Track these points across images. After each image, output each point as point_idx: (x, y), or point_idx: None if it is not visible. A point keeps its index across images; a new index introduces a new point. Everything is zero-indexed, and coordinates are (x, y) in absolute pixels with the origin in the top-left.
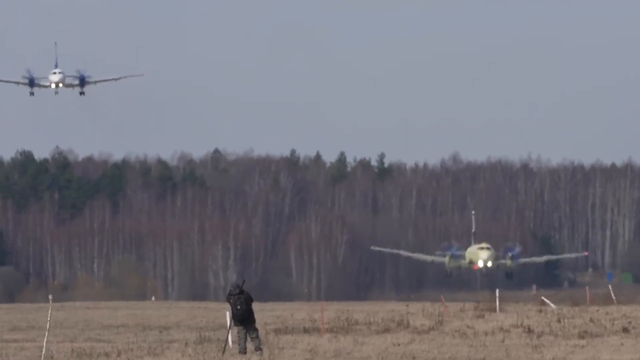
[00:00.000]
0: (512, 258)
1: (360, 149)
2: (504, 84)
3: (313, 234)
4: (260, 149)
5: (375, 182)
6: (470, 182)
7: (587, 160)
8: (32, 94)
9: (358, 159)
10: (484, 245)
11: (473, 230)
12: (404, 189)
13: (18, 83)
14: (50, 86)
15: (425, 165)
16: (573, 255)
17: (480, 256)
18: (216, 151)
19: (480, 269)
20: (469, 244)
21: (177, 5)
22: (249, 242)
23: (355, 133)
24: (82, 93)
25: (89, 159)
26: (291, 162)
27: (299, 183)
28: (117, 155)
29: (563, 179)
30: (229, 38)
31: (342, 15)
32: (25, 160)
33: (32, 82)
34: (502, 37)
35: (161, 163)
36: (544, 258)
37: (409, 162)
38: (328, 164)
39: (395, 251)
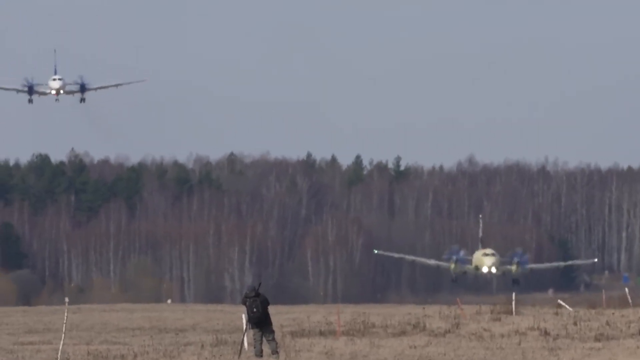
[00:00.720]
0: (519, 264)
1: (377, 151)
2: (518, 84)
3: (329, 237)
4: (277, 152)
5: (392, 185)
6: (486, 184)
7: (604, 163)
8: (30, 101)
9: (374, 161)
10: (488, 251)
11: (480, 235)
12: (420, 192)
13: (17, 91)
14: (50, 93)
15: (441, 167)
16: (582, 262)
17: (485, 262)
18: (232, 154)
19: (485, 275)
20: (477, 249)
21: (178, 5)
22: (265, 245)
23: (372, 136)
24: (82, 100)
25: (105, 162)
26: (307, 164)
27: (315, 186)
28: (134, 158)
29: (579, 181)
30: (231, 38)
31: (349, 16)
32: (42, 163)
33: (31, 90)
34: (503, 36)
35: (177, 165)
36: (554, 264)
37: (426, 165)
38: (344, 167)
39: (399, 255)
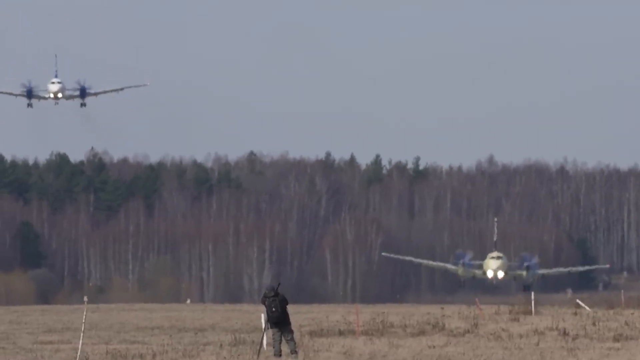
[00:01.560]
0: (529, 269)
1: (396, 151)
2: (537, 84)
3: (348, 237)
4: (296, 152)
5: (411, 185)
6: (505, 185)
7: (623, 163)
8: (30, 105)
9: (393, 161)
10: (494, 254)
11: (495, 238)
12: (439, 192)
13: (16, 95)
14: (49, 97)
15: (460, 167)
16: (595, 267)
17: (490, 266)
18: (252, 153)
19: (491, 280)
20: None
21: (179, 5)
22: (284, 245)
23: (391, 136)
24: (83, 104)
25: (124, 161)
26: (326, 164)
27: (334, 185)
28: (153, 157)
29: (598, 182)
30: (243, 39)
31: (357, 16)
32: (61, 162)
33: (30, 94)
34: (518, 35)
35: (196, 165)
36: (565, 270)
37: (445, 165)
38: (363, 167)
39: (407, 258)
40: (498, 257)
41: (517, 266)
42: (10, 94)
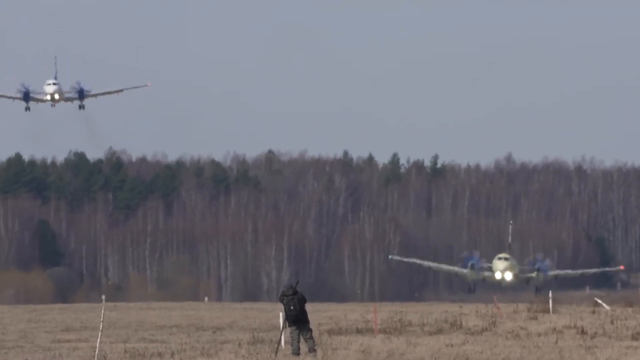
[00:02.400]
0: (539, 270)
1: (414, 150)
2: (553, 82)
3: (366, 235)
4: (314, 150)
5: (429, 183)
6: (523, 183)
7: None
8: (28, 109)
9: (411, 160)
10: (502, 255)
11: (509, 241)
12: (457, 190)
13: (13, 98)
14: (46, 99)
15: (478, 166)
16: (608, 269)
17: (497, 267)
18: (270, 152)
19: (499, 282)
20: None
21: (187, 5)
22: (303, 243)
23: (409, 134)
24: (81, 107)
25: (143, 160)
26: (344, 163)
27: (352, 184)
28: (171, 156)
29: (616, 180)
30: (253, 39)
31: (373, 15)
32: (79, 161)
33: (27, 96)
34: (532, 33)
35: (215, 164)
36: (578, 271)
37: (463, 163)
38: (381, 165)
39: (414, 260)
40: (505, 259)
41: (527, 268)
42: (7, 97)
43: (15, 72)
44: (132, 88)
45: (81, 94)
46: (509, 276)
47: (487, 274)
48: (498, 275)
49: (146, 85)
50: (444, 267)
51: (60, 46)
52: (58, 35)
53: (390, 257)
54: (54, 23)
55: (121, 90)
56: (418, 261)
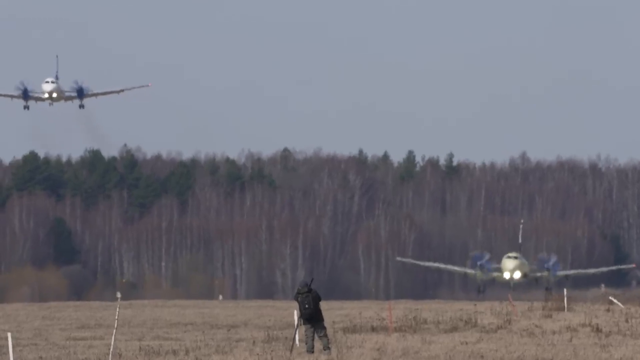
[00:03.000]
0: (548, 270)
1: (429, 147)
2: (569, 79)
3: (381, 233)
4: (329, 148)
5: (444, 181)
6: (538, 181)
7: None
8: (26, 107)
9: (426, 157)
10: (511, 254)
11: (520, 241)
12: (472, 188)
13: (11, 96)
14: (45, 98)
15: (493, 164)
16: (619, 267)
17: (506, 266)
18: (285, 150)
19: (508, 282)
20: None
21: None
22: (317, 241)
23: (424, 132)
24: (81, 106)
25: (158, 158)
26: (359, 161)
27: (367, 182)
28: (186, 154)
29: (631, 178)
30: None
31: (387, 12)
32: (94, 158)
33: (26, 95)
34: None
35: (229, 162)
36: (589, 271)
37: (478, 161)
38: (396, 163)
39: (420, 263)
40: (515, 257)
41: (536, 267)
42: (6, 95)
43: (16, 74)
44: (133, 88)
45: (80, 93)
46: (517, 275)
47: (495, 274)
48: (507, 275)
49: (147, 85)
50: (453, 268)
51: (61, 46)
52: (59, 34)
53: (397, 259)
54: (55, 22)
55: (122, 90)
56: (426, 263)
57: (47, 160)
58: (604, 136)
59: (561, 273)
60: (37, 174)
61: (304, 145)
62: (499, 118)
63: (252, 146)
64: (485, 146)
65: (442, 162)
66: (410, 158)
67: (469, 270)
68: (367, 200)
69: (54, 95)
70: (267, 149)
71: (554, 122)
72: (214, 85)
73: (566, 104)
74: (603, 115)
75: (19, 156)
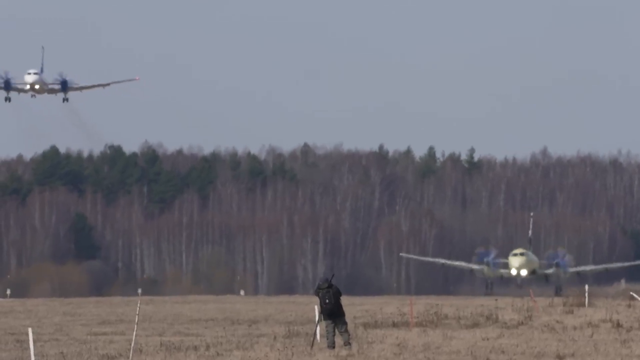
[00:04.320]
0: (558, 266)
1: (450, 143)
2: (590, 76)
3: (402, 228)
4: (350, 143)
5: (464, 177)
6: (559, 176)
7: None
8: (8, 99)
9: (447, 153)
10: (518, 250)
11: (530, 234)
12: (493, 184)
13: None
14: (28, 90)
15: (514, 159)
16: (633, 263)
17: (512, 263)
18: (306, 145)
19: (515, 279)
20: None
21: None
22: (338, 236)
23: (445, 127)
24: (65, 99)
25: (179, 153)
26: (380, 156)
27: (388, 177)
28: (207, 149)
29: None
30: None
31: (407, 11)
32: (115, 154)
33: (7, 85)
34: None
35: (250, 157)
36: (600, 267)
37: (499, 157)
38: (417, 159)
39: (426, 259)
40: (521, 254)
41: (546, 264)
42: None
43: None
44: (120, 82)
45: (64, 86)
46: (524, 272)
47: (503, 271)
48: (514, 272)
49: (135, 79)
50: (460, 264)
51: (47, 37)
52: (45, 26)
53: (401, 254)
54: (41, 13)
55: (108, 84)
56: (430, 259)
57: (68, 156)
58: (624, 131)
59: (572, 270)
60: (58, 169)
61: (324, 140)
62: (520, 113)
63: (273, 141)
64: (506, 141)
65: (463, 157)
66: (431, 153)
67: (476, 267)
68: (388, 196)
69: (37, 87)
70: (288, 144)
71: (574, 118)
72: (235, 82)
73: (587, 100)
74: (624, 111)
75: (40, 151)
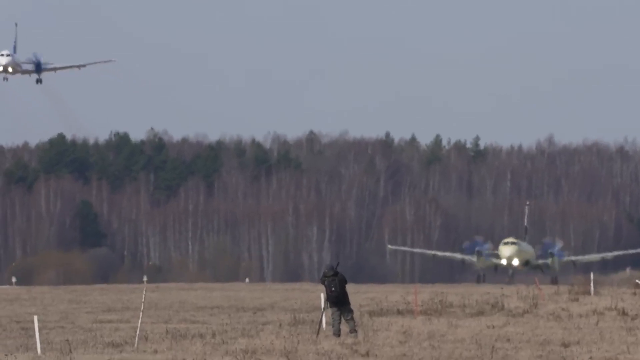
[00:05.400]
0: (552, 256)
1: (455, 131)
2: (595, 62)
3: (407, 217)
4: (355, 131)
5: (470, 165)
6: (565, 164)
7: None
8: None
9: (453, 141)
10: (509, 239)
11: (525, 224)
12: (498, 172)
13: None
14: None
15: (520, 147)
16: (626, 252)
17: (503, 253)
18: (311, 133)
19: (507, 269)
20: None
21: None
22: (344, 225)
23: (450, 115)
24: (39, 81)
25: (184, 140)
26: (386, 144)
27: (393, 165)
28: (212, 137)
29: None
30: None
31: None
32: (121, 141)
33: None
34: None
35: (256, 145)
36: (598, 255)
37: (504, 145)
38: (423, 147)
39: (415, 250)
40: (512, 243)
41: (539, 254)
42: None
43: None
44: (95, 63)
45: (38, 67)
46: (516, 263)
47: (496, 260)
48: (504, 262)
49: (112, 61)
50: (450, 255)
51: (22, 14)
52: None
53: (389, 246)
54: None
55: (84, 65)
56: (418, 250)
57: (74, 143)
58: (631, 119)
59: (567, 259)
60: (64, 156)
61: (330, 128)
62: (526, 101)
63: (278, 129)
64: (511, 129)
65: (468, 145)
66: (436, 141)
67: (467, 257)
68: (393, 184)
69: (10, 69)
70: (293, 132)
71: (580, 105)
72: (239, 68)
73: (593, 87)
74: (630, 98)
75: (46, 139)
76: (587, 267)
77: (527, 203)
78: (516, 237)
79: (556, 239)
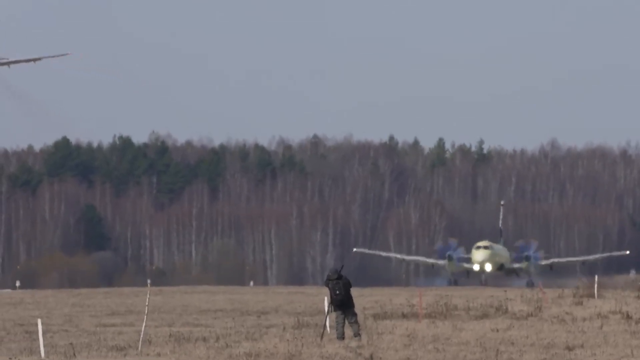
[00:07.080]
0: (528, 259)
1: (459, 134)
2: (603, 66)
3: (412, 220)
4: (359, 135)
5: (474, 168)
6: (569, 168)
7: None
8: None
9: (456, 144)
10: (481, 243)
11: (500, 225)
12: (502, 175)
13: None
14: None
15: (523, 151)
16: (612, 254)
17: (475, 257)
18: (315, 137)
19: (479, 274)
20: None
21: None
22: (348, 228)
23: (454, 118)
24: None
25: (188, 144)
26: (390, 147)
27: (397, 169)
28: (216, 140)
29: None
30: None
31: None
32: (124, 145)
33: None
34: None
35: (259, 148)
36: (580, 259)
37: (508, 148)
38: (427, 150)
39: (382, 253)
40: (485, 247)
41: (514, 257)
42: None
43: None
44: (51, 57)
45: None
46: (489, 268)
47: (467, 265)
48: (477, 267)
49: (67, 54)
50: (420, 259)
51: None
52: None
53: (354, 250)
54: None
55: (39, 59)
56: (384, 254)
57: (78, 147)
58: (634, 123)
59: (544, 263)
60: (68, 160)
61: (334, 131)
62: (530, 105)
63: (282, 132)
64: (515, 133)
65: (472, 148)
66: (440, 145)
67: (439, 262)
68: (398, 187)
69: None
70: (297, 136)
71: (584, 109)
72: (244, 73)
73: (593, 88)
74: (631, 99)
75: (50, 142)
76: (601, 269)
77: (502, 203)
78: (490, 240)
79: (531, 241)
